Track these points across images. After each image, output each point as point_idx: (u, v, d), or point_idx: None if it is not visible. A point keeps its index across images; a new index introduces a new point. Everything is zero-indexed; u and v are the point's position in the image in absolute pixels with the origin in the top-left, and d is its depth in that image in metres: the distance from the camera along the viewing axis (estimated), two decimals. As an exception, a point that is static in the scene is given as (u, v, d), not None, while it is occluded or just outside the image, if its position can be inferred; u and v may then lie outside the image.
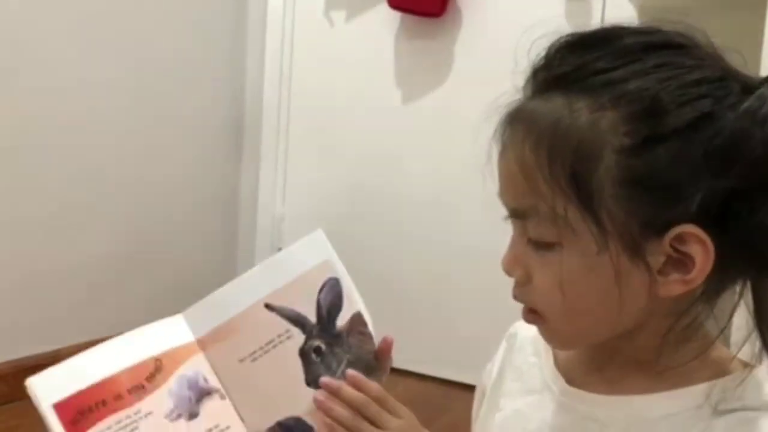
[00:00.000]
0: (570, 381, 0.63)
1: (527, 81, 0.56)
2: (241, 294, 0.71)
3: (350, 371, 0.66)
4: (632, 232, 0.52)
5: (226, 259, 2.48)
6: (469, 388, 2.34)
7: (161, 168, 2.21)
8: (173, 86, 2.21)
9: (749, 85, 0.52)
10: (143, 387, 0.64)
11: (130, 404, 0.63)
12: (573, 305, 0.55)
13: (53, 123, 1.92)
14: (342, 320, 0.70)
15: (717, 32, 0.55)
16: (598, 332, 0.58)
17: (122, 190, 2.10)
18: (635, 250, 0.52)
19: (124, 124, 2.09)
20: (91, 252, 2.03)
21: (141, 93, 2.12)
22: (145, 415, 0.64)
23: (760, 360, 0.56)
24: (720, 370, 0.57)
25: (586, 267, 0.54)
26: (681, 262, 0.52)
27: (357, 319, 0.71)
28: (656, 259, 0.53)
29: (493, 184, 0.58)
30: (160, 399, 0.65)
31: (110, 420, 0.62)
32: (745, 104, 0.51)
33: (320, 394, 0.64)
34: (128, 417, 0.63)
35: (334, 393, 0.64)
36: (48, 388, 0.60)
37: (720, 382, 0.56)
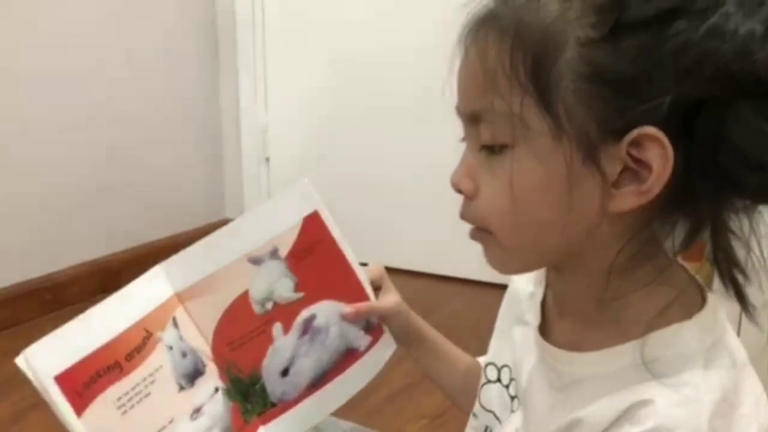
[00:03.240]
0: (542, 326, 0.63)
1: None
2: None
3: None
4: (589, 132, 0.49)
5: (213, 175, 2.46)
6: (464, 282, 2.36)
7: (137, 90, 2.16)
8: (145, 6, 2.15)
9: None
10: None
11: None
12: (521, 212, 0.53)
13: (21, 45, 1.86)
14: None
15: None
16: (544, 248, 0.55)
17: (100, 112, 2.06)
18: (590, 153, 0.49)
19: (99, 44, 2.03)
20: (74, 173, 2.01)
21: (113, 14, 2.05)
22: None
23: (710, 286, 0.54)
24: (661, 322, 0.52)
25: (539, 168, 0.51)
26: (637, 174, 0.49)
27: None
28: (612, 168, 0.50)
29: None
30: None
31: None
32: (722, 8, 0.46)
33: None
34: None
35: None
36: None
37: (653, 336, 0.52)
